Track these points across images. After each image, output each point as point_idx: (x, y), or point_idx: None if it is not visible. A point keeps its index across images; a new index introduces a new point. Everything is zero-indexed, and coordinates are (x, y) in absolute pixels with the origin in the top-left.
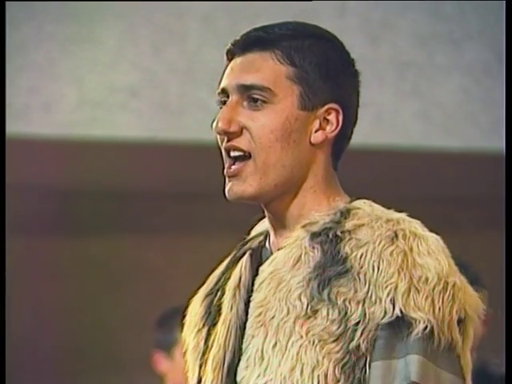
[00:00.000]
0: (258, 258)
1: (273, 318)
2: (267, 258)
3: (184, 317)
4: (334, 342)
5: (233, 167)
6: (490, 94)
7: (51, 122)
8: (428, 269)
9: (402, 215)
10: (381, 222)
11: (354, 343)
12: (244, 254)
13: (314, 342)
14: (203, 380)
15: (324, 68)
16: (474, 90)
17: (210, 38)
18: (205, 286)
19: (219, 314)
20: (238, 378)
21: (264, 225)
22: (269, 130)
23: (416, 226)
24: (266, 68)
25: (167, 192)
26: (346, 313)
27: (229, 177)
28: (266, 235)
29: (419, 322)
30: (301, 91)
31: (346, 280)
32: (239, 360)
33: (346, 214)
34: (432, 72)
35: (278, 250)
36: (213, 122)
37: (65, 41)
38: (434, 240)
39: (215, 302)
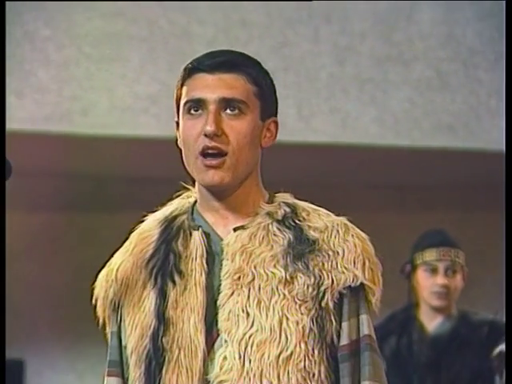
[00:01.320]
0: (206, 235)
1: (252, 281)
2: (214, 235)
3: (113, 281)
4: (310, 301)
5: (213, 162)
6: (431, 103)
7: (88, 124)
8: (372, 253)
9: (320, 208)
10: (319, 214)
11: (323, 302)
12: (179, 229)
13: (295, 302)
14: (177, 325)
15: (271, 88)
16: (419, 100)
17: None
18: (135, 254)
19: (180, 277)
20: (220, 327)
21: (176, 206)
22: (243, 135)
23: (341, 218)
24: (239, 86)
25: (180, 179)
26: (319, 279)
27: (209, 167)
28: (191, 216)
29: (374, 292)
30: (261, 106)
31: (315, 255)
32: (215, 313)
33: (292, 206)
34: (386, 86)
35: (235, 229)
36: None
37: (99, 60)
38: (359, 230)
39: (169, 267)
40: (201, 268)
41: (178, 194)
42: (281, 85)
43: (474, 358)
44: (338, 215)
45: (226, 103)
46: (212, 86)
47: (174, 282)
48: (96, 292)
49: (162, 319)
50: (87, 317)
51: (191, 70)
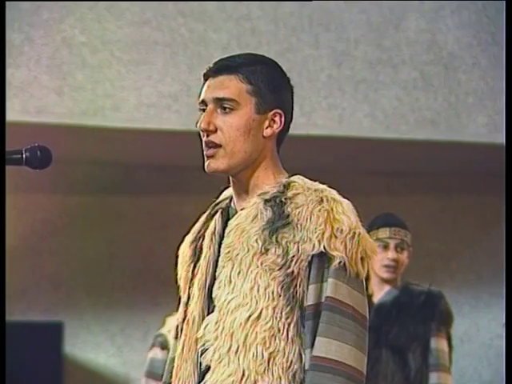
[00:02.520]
0: (227, 215)
1: (237, 254)
2: (233, 215)
3: (177, 257)
4: (278, 270)
5: (208, 152)
6: (417, 101)
7: (118, 119)
8: (342, 223)
9: (325, 186)
10: (310, 191)
11: (290, 269)
12: (217, 211)
13: (266, 270)
14: (191, 296)
15: (271, 84)
16: (406, 99)
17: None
18: (190, 234)
19: (201, 253)
20: (213, 295)
21: (228, 191)
22: (235, 128)
23: (334, 193)
24: (232, 86)
25: (198, 166)
26: (287, 250)
27: (207, 157)
28: (231, 198)
29: (336, 258)
30: (256, 101)
31: (287, 229)
32: (213, 283)
33: (287, 186)
34: (377, 86)
35: (241, 209)
36: (197, 123)
37: (128, 63)
38: (346, 203)
39: (198, 245)
40: (210, 244)
41: None
42: None
43: (411, 322)
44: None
45: (219, 102)
46: (211, 88)
47: (198, 258)
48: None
49: (189, 291)
50: (118, 285)
51: (205, 76)
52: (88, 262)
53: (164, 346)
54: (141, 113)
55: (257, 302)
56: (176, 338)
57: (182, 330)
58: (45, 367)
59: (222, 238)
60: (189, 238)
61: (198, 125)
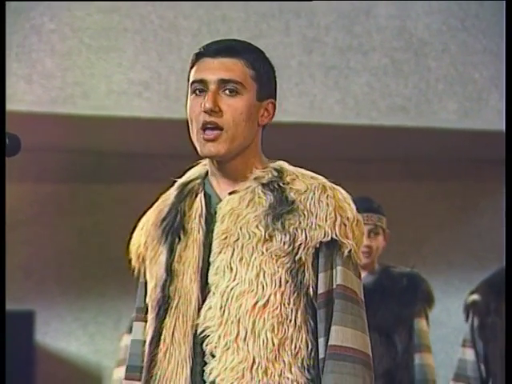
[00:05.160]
0: (208, 197)
1: (237, 240)
2: (217, 199)
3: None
4: (285, 256)
5: (211, 135)
6: (387, 87)
7: (88, 106)
8: (348, 211)
9: (312, 173)
10: (307, 177)
11: (297, 256)
12: (189, 192)
13: (272, 257)
14: (179, 276)
15: (269, 73)
16: (376, 85)
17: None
18: (154, 214)
19: (176, 235)
20: (210, 281)
21: (194, 172)
22: (239, 112)
23: (326, 180)
24: (237, 69)
25: (169, 154)
26: (294, 237)
27: (207, 140)
28: (201, 180)
29: (346, 246)
30: (257, 87)
31: (293, 215)
32: (207, 268)
33: (280, 171)
34: (348, 73)
35: (230, 193)
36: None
37: (98, 50)
38: (342, 190)
39: (175, 225)
40: (198, 227)
41: (198, 161)
42: None
43: (396, 304)
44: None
45: (224, 84)
46: (213, 69)
47: (179, 239)
48: (130, 247)
49: (170, 271)
50: (89, 274)
51: (199, 55)
52: (59, 251)
53: None
54: (111, 100)
55: (263, 289)
56: (143, 320)
57: (161, 312)
58: (16, 356)
59: (210, 222)
60: (153, 218)
61: (203, 105)
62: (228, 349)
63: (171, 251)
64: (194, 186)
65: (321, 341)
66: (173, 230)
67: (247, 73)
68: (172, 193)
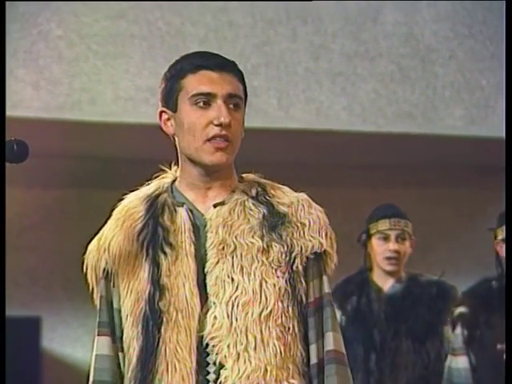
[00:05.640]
0: (190, 211)
1: (234, 250)
2: (195, 211)
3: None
4: (283, 266)
5: (222, 145)
6: (394, 94)
7: (95, 113)
8: (328, 224)
9: (279, 185)
10: (283, 191)
11: (294, 266)
12: (163, 206)
13: (272, 267)
14: (172, 290)
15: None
16: (383, 92)
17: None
18: (124, 229)
19: (170, 248)
20: (209, 291)
21: (156, 186)
22: (240, 125)
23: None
24: (237, 84)
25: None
26: (290, 247)
27: (218, 149)
28: (171, 194)
29: (332, 257)
30: (245, 101)
31: (287, 227)
32: (204, 279)
33: (262, 184)
34: (354, 79)
35: (215, 205)
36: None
37: (105, 56)
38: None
39: (158, 240)
40: (190, 240)
41: (156, 175)
42: (263, 78)
43: (426, 312)
44: (300, 191)
45: (230, 98)
46: (219, 83)
47: (164, 253)
48: (87, 261)
49: (157, 285)
50: None
51: (197, 67)
52: (66, 257)
53: None
54: (118, 106)
55: (267, 298)
56: (107, 335)
57: (150, 326)
58: (23, 362)
59: (199, 235)
60: (123, 233)
61: (214, 119)
62: (239, 358)
63: (156, 265)
64: (164, 199)
65: (312, 347)
66: (155, 244)
67: (241, 87)
68: (140, 206)
